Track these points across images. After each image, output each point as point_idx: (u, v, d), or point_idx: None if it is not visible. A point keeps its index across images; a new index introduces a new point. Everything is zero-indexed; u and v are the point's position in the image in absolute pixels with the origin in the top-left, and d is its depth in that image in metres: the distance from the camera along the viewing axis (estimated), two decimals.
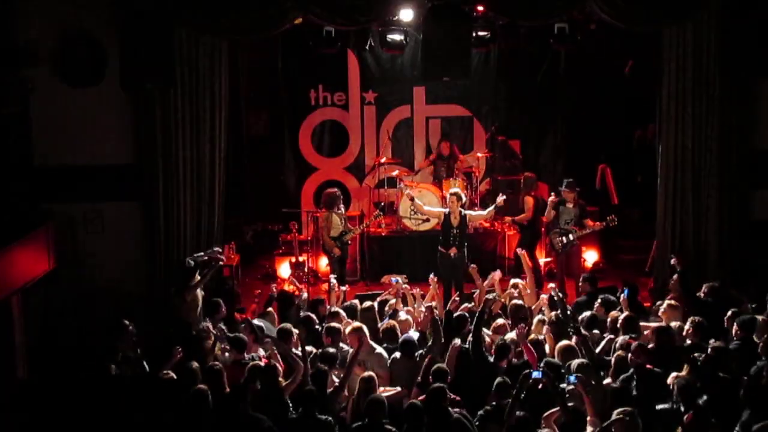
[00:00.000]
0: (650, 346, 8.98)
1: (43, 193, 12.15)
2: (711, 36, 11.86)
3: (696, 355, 8.60)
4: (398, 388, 8.90)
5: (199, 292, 10.98)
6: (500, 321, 10.08)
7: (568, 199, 13.08)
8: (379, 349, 9.45)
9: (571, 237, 12.96)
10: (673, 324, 9.77)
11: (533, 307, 10.86)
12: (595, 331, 9.78)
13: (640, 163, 16.00)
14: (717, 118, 12.25)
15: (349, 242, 13.59)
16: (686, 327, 9.52)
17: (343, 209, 13.77)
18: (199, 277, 10.95)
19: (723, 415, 7.82)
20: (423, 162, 16.13)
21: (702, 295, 10.79)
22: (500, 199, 13.07)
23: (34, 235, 11.50)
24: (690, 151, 12.35)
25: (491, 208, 13.26)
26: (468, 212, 12.92)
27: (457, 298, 11.08)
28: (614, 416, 7.39)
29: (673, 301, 10.47)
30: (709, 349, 8.66)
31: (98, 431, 8.19)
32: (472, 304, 10.82)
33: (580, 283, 11.81)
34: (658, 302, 10.93)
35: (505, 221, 14.59)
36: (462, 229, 12.68)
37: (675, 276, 11.14)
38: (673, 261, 11.52)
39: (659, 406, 8.12)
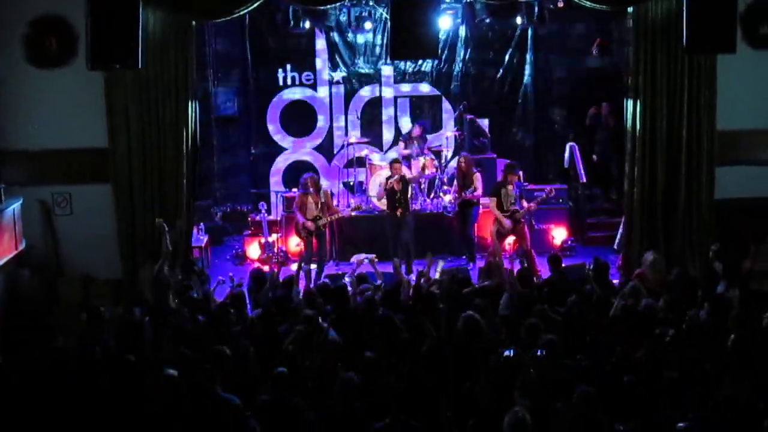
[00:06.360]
0: None
1: (11, 175, 12.04)
2: (678, 13, 11.87)
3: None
4: None
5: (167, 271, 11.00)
6: None
7: (511, 181, 13.17)
8: None
9: (516, 217, 13.03)
10: None
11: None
12: None
13: (593, 141, 16.06)
14: (684, 95, 12.30)
15: (323, 228, 13.51)
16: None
17: (320, 195, 13.50)
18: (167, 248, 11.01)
19: None
20: (401, 147, 15.71)
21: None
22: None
23: (1, 218, 11.42)
24: (658, 128, 12.40)
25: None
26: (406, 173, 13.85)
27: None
28: None
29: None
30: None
31: (68, 415, 8.14)
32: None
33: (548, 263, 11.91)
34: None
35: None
36: (404, 192, 13.49)
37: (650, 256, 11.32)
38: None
39: None
